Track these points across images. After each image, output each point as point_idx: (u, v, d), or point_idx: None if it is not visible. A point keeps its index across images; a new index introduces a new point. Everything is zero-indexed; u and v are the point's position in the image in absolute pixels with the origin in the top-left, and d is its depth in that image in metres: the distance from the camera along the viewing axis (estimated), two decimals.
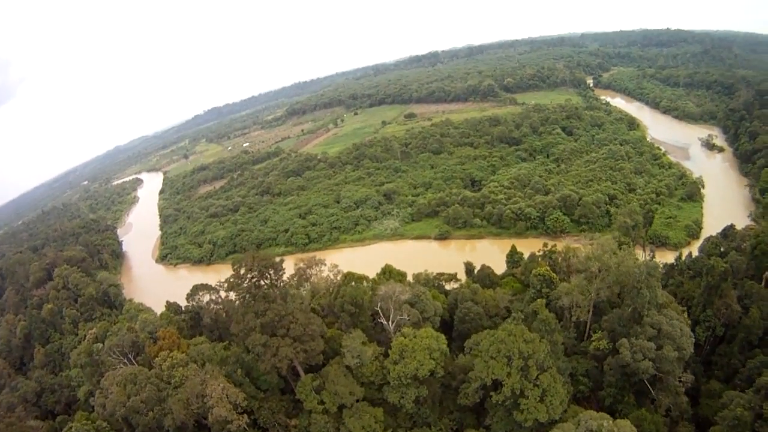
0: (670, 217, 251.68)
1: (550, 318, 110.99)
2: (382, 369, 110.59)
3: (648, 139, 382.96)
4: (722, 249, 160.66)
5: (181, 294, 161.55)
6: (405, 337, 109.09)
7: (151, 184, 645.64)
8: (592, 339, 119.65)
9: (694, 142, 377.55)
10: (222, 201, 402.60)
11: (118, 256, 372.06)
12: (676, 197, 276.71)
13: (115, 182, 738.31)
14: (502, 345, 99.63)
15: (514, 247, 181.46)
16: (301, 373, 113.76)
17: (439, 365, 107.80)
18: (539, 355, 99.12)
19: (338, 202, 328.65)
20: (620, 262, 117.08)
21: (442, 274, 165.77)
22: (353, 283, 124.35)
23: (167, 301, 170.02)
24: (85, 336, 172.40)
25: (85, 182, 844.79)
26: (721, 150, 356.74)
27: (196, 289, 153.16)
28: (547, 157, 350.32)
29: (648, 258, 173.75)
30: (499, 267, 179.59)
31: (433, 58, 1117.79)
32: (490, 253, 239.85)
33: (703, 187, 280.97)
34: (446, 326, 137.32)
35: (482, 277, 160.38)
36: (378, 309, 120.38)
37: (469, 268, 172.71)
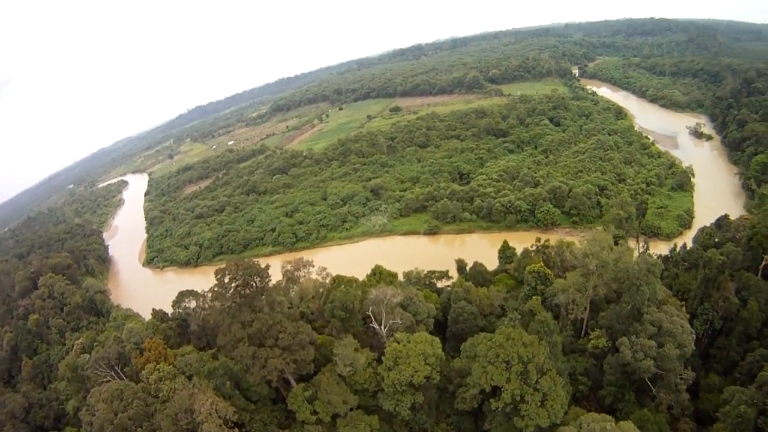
0: (662, 207, 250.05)
1: (549, 319, 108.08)
2: (375, 376, 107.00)
3: (636, 129, 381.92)
4: (717, 239, 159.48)
5: (168, 298, 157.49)
6: (399, 343, 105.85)
7: (137, 186, 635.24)
8: (590, 337, 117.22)
9: (682, 130, 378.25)
10: (207, 201, 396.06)
11: (104, 260, 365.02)
12: (666, 187, 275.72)
13: (101, 185, 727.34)
14: (500, 350, 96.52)
15: (506, 242, 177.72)
16: (293, 382, 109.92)
17: (435, 371, 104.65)
18: (539, 359, 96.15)
19: (325, 199, 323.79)
20: (618, 258, 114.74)
21: (433, 272, 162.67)
22: (343, 287, 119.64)
23: (153, 309, 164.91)
24: (72, 346, 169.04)
25: (71, 186, 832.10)
26: (709, 138, 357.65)
27: (182, 295, 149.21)
28: (535, 148, 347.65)
29: (642, 249, 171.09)
30: (490, 262, 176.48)
31: (417, 51, 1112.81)
32: (481, 248, 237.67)
33: (693, 176, 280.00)
34: (440, 326, 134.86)
35: (474, 275, 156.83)
36: (369, 313, 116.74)
37: (460, 265, 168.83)
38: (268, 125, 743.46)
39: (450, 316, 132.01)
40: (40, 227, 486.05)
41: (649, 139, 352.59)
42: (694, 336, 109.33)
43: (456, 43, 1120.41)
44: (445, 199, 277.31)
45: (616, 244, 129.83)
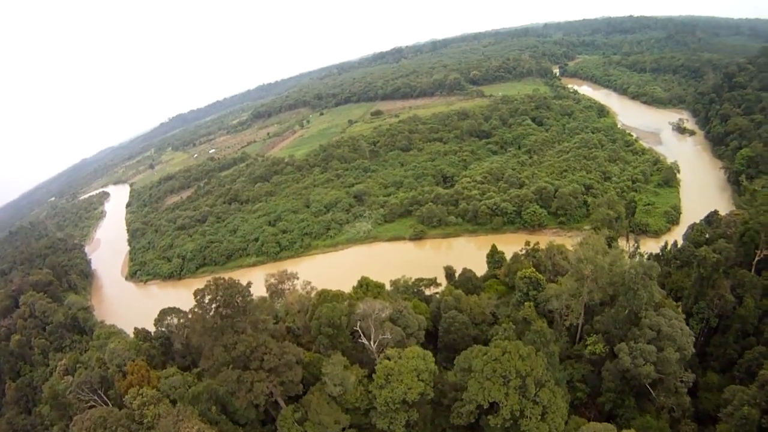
0: (649, 204, 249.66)
1: (545, 328, 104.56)
2: (367, 394, 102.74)
3: (619, 126, 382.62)
4: (707, 236, 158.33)
5: (152, 312, 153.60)
6: (390, 360, 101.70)
7: (118, 197, 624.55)
8: (586, 343, 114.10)
9: (664, 126, 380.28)
10: (189, 212, 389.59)
11: (87, 275, 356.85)
12: (652, 183, 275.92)
13: (82, 197, 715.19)
14: (497, 364, 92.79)
15: (494, 247, 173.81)
16: (282, 404, 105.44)
17: (429, 386, 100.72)
18: (537, 371, 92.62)
19: (308, 207, 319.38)
20: (613, 262, 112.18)
21: (421, 280, 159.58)
22: (329, 303, 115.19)
23: (135, 328, 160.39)
24: (56, 367, 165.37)
25: (52, 198, 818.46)
26: (692, 133, 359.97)
27: (164, 313, 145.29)
28: (519, 148, 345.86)
29: (633, 249, 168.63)
30: (478, 266, 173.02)
31: (397, 54, 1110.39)
32: (468, 252, 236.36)
33: (678, 171, 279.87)
34: (430, 336, 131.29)
35: (464, 282, 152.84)
36: (358, 329, 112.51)
37: (449, 272, 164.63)
38: (249, 132, 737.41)
39: (441, 326, 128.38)
40: (22, 242, 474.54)
41: (632, 136, 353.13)
42: (693, 339, 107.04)
43: (436, 46, 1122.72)
44: (430, 203, 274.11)
45: (609, 246, 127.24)
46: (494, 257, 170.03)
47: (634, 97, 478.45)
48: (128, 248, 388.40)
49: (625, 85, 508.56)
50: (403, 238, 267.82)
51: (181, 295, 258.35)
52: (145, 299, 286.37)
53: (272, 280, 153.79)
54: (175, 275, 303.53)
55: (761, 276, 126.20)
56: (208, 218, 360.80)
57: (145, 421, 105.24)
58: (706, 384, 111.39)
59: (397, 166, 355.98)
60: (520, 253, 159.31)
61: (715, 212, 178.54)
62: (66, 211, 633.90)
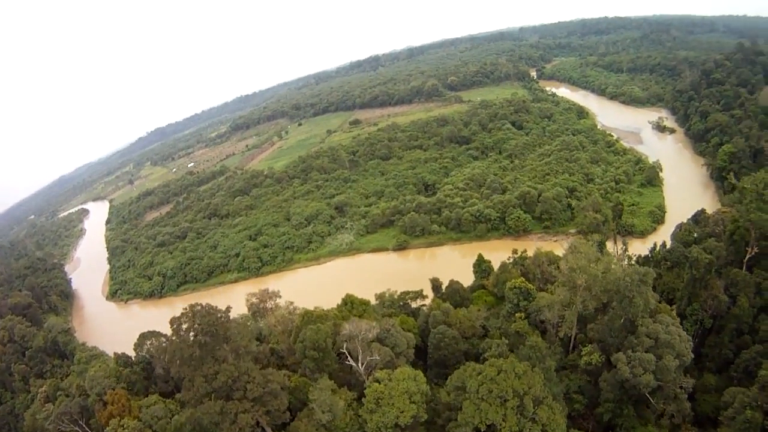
0: (633, 205, 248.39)
1: (540, 343, 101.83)
2: (357, 418, 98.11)
3: (599, 127, 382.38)
4: (696, 235, 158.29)
5: (134, 332, 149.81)
6: (380, 383, 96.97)
7: (98, 214, 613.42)
8: (582, 353, 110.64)
9: (644, 125, 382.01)
10: (169, 228, 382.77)
11: (67, 296, 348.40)
12: (635, 183, 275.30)
13: (62, 214, 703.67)
14: (493, 385, 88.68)
15: (480, 256, 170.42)
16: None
17: (422, 408, 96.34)
18: (535, 389, 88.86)
19: (289, 220, 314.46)
20: (606, 269, 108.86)
21: (407, 293, 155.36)
22: (313, 326, 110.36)
23: (115, 353, 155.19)
24: (37, 394, 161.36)
25: (32, 216, 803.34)
26: (672, 131, 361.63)
27: (143, 337, 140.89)
28: (500, 153, 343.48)
29: (621, 251, 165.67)
30: (464, 274, 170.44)
31: (374, 62, 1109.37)
32: (453, 261, 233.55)
33: (661, 170, 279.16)
34: (419, 351, 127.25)
35: (451, 294, 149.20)
36: (344, 350, 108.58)
37: (435, 284, 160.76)
38: (227, 145, 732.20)
39: (430, 342, 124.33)
40: (1, 263, 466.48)
41: (613, 136, 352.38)
42: (692, 344, 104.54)
43: (413, 52, 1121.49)
44: (412, 213, 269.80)
45: (600, 251, 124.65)
46: (481, 266, 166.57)
47: (613, 97, 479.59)
48: (108, 267, 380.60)
49: (603, 86, 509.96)
50: (387, 249, 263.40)
51: (163, 314, 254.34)
52: (126, 319, 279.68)
53: (254, 300, 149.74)
54: (156, 294, 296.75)
55: (753, 273, 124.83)
56: (188, 234, 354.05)
57: None
58: (704, 386, 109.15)
59: (377, 176, 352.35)
60: (508, 261, 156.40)
61: (703, 211, 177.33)
62: (46, 230, 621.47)
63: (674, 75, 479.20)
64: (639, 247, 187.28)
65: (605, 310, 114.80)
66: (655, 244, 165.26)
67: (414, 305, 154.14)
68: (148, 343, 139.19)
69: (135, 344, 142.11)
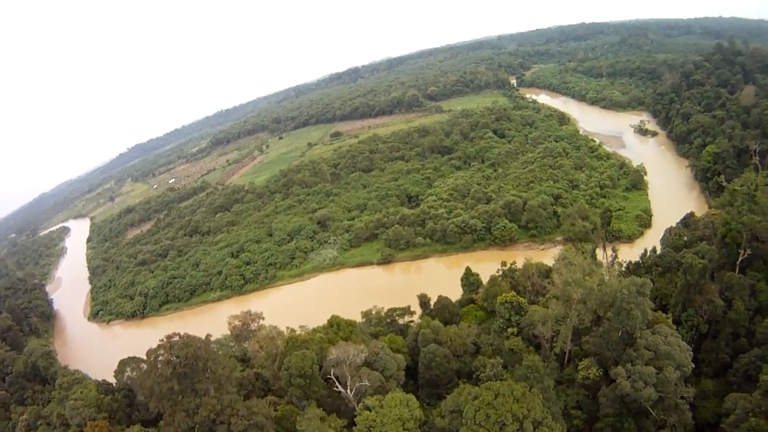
0: (619, 209, 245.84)
1: (537, 363, 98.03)
2: None
3: (581, 133, 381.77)
4: (686, 239, 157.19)
5: (117, 353, 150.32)
6: (371, 410, 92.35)
7: (79, 232, 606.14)
8: (578, 367, 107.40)
9: (626, 129, 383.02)
10: (150, 246, 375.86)
11: (48, 317, 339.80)
12: (620, 188, 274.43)
13: (43, 233, 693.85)
14: (490, 410, 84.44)
15: (468, 269, 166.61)
16: None
17: None
18: (534, 412, 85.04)
19: (271, 236, 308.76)
20: (602, 281, 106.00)
21: (394, 310, 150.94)
22: (298, 352, 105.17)
23: (96, 381, 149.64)
24: (18, 422, 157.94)
25: (12, 235, 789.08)
26: (654, 134, 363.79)
27: (123, 364, 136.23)
28: (483, 162, 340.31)
29: (611, 258, 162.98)
30: (451, 286, 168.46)
31: (354, 73, 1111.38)
32: (439, 273, 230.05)
33: (645, 174, 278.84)
34: (409, 370, 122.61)
35: (440, 310, 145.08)
36: (332, 376, 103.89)
37: (423, 300, 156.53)
38: (208, 160, 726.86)
39: (421, 361, 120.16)
40: None
41: (595, 141, 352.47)
42: (691, 353, 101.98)
43: (392, 63, 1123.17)
44: (396, 225, 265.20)
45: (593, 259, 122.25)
46: (469, 280, 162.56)
47: (593, 102, 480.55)
48: (89, 286, 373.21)
49: (584, 91, 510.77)
50: (371, 263, 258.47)
51: (146, 335, 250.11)
52: (109, 341, 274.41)
53: (236, 323, 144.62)
54: (138, 314, 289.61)
55: (746, 275, 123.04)
56: (170, 252, 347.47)
57: None
58: (702, 392, 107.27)
59: (359, 188, 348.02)
60: (497, 274, 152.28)
61: (692, 214, 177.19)
62: (26, 248, 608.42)
63: (654, 78, 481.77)
64: (627, 253, 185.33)
65: (599, 322, 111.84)
66: (645, 250, 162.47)
67: (402, 321, 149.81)
68: (129, 369, 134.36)
69: (115, 371, 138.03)
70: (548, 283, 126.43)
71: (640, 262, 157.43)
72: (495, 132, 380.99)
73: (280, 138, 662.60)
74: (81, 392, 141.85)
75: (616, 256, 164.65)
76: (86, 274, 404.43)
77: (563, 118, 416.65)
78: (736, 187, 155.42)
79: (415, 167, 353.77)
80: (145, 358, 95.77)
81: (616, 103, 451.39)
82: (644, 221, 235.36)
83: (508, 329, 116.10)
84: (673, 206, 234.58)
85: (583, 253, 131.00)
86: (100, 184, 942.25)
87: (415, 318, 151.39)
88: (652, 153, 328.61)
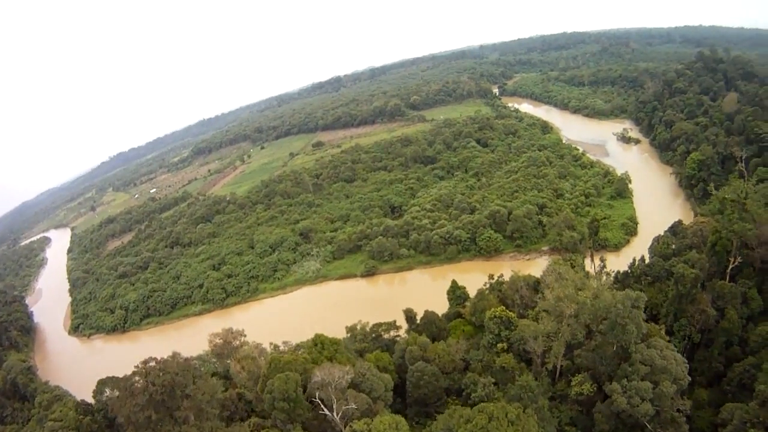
0: (605, 218, 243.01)
1: (531, 382, 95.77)
2: None
3: (564, 141, 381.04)
4: (674, 247, 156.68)
5: (98, 369, 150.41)
6: None
7: (60, 243, 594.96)
8: (572, 383, 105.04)
9: (609, 137, 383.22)
10: (131, 258, 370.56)
11: (28, 330, 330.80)
12: (605, 196, 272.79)
13: (23, 242, 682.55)
14: None
15: (455, 282, 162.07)
16: None
17: None
18: None
19: (253, 248, 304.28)
20: (596, 295, 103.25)
21: (380, 325, 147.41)
22: (281, 375, 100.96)
23: (75, 402, 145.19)
24: None
25: None
26: (637, 142, 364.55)
27: (102, 384, 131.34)
28: (466, 172, 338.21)
29: (599, 269, 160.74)
30: (436, 298, 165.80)
31: (336, 83, 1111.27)
32: (424, 285, 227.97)
33: (630, 182, 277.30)
34: (396, 388, 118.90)
35: (427, 325, 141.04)
36: (317, 399, 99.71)
37: (409, 315, 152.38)
38: (190, 170, 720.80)
39: (409, 380, 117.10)
40: None
41: (579, 150, 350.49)
42: (687, 366, 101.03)
43: (375, 73, 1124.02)
44: (380, 237, 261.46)
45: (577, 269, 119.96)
46: (456, 293, 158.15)
47: (576, 110, 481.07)
48: (70, 299, 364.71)
49: (566, 100, 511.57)
50: (355, 275, 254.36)
51: (126, 350, 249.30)
52: (90, 355, 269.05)
53: (217, 341, 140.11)
54: (119, 328, 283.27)
55: (737, 283, 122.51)
56: (150, 264, 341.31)
57: None
58: (696, 401, 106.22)
59: (342, 199, 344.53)
60: (484, 288, 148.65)
61: (680, 222, 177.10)
62: (6, 259, 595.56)
63: (636, 86, 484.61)
64: (614, 261, 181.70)
65: (591, 335, 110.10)
66: (634, 259, 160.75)
67: (387, 336, 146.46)
68: (108, 389, 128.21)
69: (94, 391, 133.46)
70: (539, 298, 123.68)
71: (629, 271, 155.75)
72: (478, 141, 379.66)
73: (262, 148, 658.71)
74: (61, 411, 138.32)
75: (604, 266, 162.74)
76: (67, 285, 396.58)
77: (546, 127, 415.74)
78: (726, 195, 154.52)
79: (398, 177, 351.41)
80: (124, 376, 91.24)
81: (599, 111, 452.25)
82: (630, 229, 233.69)
83: (498, 345, 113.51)
84: (659, 214, 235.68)
85: (573, 266, 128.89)
86: (82, 194, 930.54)
87: (401, 332, 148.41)
88: (636, 161, 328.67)
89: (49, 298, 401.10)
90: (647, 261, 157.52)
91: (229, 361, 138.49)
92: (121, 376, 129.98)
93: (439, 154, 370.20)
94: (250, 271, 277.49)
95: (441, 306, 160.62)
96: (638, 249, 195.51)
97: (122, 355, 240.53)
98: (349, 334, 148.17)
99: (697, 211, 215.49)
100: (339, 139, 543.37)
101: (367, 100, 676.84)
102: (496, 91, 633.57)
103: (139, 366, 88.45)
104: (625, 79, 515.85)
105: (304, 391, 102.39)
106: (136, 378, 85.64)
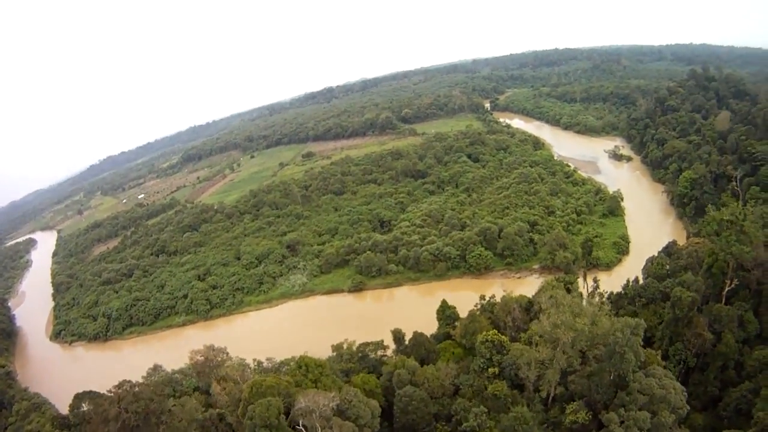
0: (597, 236, 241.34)
1: (526, 413, 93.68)
2: None
3: (556, 158, 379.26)
4: (668, 268, 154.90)
5: (78, 377, 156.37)
6: None
7: (46, 245, 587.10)
8: (566, 410, 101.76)
9: (601, 154, 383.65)
10: (115, 264, 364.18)
11: (9, 334, 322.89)
12: (596, 214, 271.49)
13: (8, 243, 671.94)
14: None
15: (444, 302, 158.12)
16: None
17: None
18: None
19: (239, 259, 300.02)
20: (593, 322, 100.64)
21: (366, 344, 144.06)
22: (263, 401, 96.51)
23: (52, 414, 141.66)
24: None
25: None
26: (629, 159, 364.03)
27: (78, 399, 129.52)
28: (457, 187, 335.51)
29: (591, 289, 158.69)
30: (425, 316, 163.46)
31: (328, 93, 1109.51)
32: (412, 302, 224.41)
33: (622, 200, 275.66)
34: (384, 413, 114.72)
35: (415, 347, 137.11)
36: (301, 427, 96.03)
37: (397, 336, 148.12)
38: (179, 176, 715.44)
39: (396, 405, 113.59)
40: None
41: (570, 167, 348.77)
42: (686, 395, 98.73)
43: (367, 85, 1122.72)
44: (368, 252, 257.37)
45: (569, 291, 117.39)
46: (445, 313, 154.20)
47: (567, 127, 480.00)
48: (53, 304, 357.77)
49: (558, 116, 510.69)
50: (342, 290, 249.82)
51: (108, 359, 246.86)
52: (70, 363, 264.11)
53: (198, 358, 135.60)
54: (101, 336, 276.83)
55: (733, 306, 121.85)
56: (135, 272, 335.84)
57: None
58: (692, 426, 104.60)
59: (330, 212, 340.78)
60: (475, 309, 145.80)
61: (674, 242, 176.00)
62: None
63: (627, 103, 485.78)
64: (606, 281, 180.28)
65: (586, 360, 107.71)
66: (628, 280, 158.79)
67: (374, 356, 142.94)
68: (84, 405, 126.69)
69: (70, 405, 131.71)
70: (531, 319, 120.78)
71: (623, 292, 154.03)
72: (469, 156, 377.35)
73: (252, 157, 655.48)
74: (38, 422, 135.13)
75: (597, 286, 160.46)
76: (51, 290, 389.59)
77: (538, 143, 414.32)
78: (724, 217, 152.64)
79: (387, 191, 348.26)
80: (102, 391, 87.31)
81: (591, 128, 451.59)
82: (622, 248, 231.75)
83: (489, 369, 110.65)
84: (651, 232, 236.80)
85: (569, 291, 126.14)
86: (70, 196, 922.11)
87: (389, 352, 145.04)
88: (628, 178, 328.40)
89: (33, 301, 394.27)
90: (641, 282, 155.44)
91: (211, 377, 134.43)
92: (101, 387, 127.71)
93: (430, 169, 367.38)
94: (235, 282, 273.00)
95: (429, 323, 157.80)
96: (630, 268, 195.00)
97: (103, 365, 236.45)
98: (335, 353, 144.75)
99: (690, 230, 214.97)
100: (329, 151, 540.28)
101: (359, 112, 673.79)
102: (487, 105, 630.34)
103: (113, 391, 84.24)
104: (617, 96, 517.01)
105: (287, 418, 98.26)
106: (109, 405, 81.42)
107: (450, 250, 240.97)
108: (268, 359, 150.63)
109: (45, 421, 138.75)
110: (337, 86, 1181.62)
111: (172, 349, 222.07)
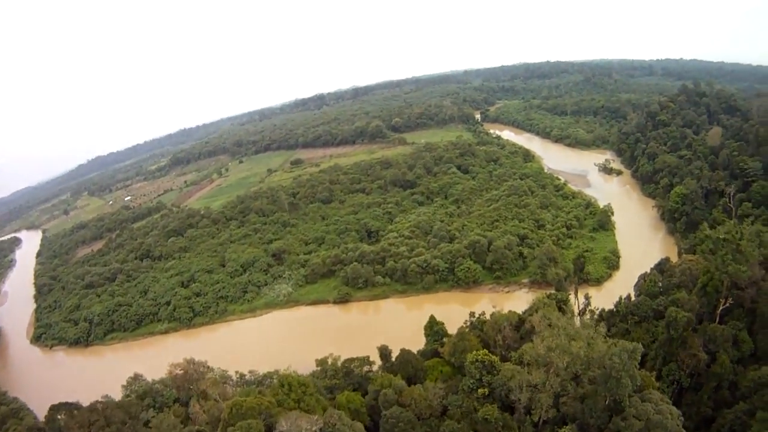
0: (587, 251, 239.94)
1: None
2: None
3: (546, 170, 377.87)
4: (661, 285, 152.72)
5: (58, 384, 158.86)
6: None
7: (31, 244, 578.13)
8: None
9: (591, 168, 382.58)
10: (99, 268, 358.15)
11: None
12: (587, 228, 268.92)
13: None
14: None
15: (433, 318, 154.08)
16: None
17: None
18: None
19: (224, 266, 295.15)
20: (589, 344, 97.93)
21: (351, 360, 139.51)
22: (243, 422, 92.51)
23: (28, 423, 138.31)
24: None
25: None
26: (619, 173, 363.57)
27: (54, 410, 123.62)
28: (446, 198, 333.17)
29: (583, 305, 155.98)
30: (411, 329, 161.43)
31: (319, 100, 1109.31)
32: (398, 315, 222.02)
33: (612, 214, 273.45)
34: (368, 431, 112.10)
35: (402, 365, 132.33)
36: None
37: (384, 352, 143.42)
38: (166, 179, 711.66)
39: (382, 426, 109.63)
40: None
41: (560, 179, 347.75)
42: (683, 420, 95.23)
43: (358, 92, 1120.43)
44: (355, 263, 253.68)
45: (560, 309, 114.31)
46: (433, 329, 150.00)
47: (558, 140, 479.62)
48: (34, 306, 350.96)
49: (548, 129, 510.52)
50: (327, 302, 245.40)
51: (89, 365, 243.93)
52: (50, 368, 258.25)
53: (178, 371, 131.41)
54: (82, 341, 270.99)
55: (727, 325, 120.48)
56: (118, 276, 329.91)
57: None
58: None
59: (318, 220, 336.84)
60: (465, 326, 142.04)
61: (667, 259, 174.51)
62: None
63: (618, 117, 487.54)
64: (596, 296, 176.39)
65: (579, 381, 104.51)
66: (620, 297, 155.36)
67: (359, 371, 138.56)
68: (60, 417, 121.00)
69: (46, 417, 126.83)
70: (522, 338, 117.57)
71: (615, 310, 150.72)
72: (459, 167, 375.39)
73: (240, 162, 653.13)
74: (14, 429, 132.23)
75: (588, 303, 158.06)
76: (33, 291, 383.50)
77: (528, 155, 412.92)
78: (720, 235, 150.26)
79: (376, 201, 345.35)
80: (80, 400, 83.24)
81: (581, 141, 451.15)
82: (612, 263, 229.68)
83: (479, 390, 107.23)
84: (641, 247, 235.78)
85: (562, 309, 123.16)
86: (57, 195, 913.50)
87: (375, 368, 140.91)
88: (618, 192, 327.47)
89: (15, 302, 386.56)
90: (633, 299, 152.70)
91: (191, 391, 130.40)
92: (80, 394, 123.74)
93: (419, 179, 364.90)
94: (219, 290, 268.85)
95: (416, 337, 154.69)
96: (621, 283, 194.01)
97: (84, 370, 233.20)
98: (319, 368, 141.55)
99: (681, 246, 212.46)
100: (318, 158, 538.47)
101: (349, 120, 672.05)
102: (478, 116, 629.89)
103: (84, 414, 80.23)
104: (608, 109, 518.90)
105: None
106: (79, 430, 77.40)
107: (438, 263, 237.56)
108: (250, 372, 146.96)
109: (21, 429, 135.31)
110: (328, 93, 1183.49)
111: (153, 357, 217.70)
